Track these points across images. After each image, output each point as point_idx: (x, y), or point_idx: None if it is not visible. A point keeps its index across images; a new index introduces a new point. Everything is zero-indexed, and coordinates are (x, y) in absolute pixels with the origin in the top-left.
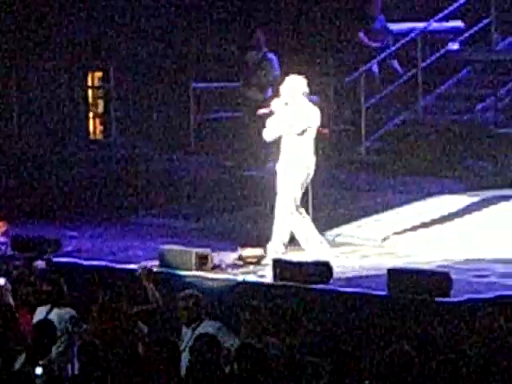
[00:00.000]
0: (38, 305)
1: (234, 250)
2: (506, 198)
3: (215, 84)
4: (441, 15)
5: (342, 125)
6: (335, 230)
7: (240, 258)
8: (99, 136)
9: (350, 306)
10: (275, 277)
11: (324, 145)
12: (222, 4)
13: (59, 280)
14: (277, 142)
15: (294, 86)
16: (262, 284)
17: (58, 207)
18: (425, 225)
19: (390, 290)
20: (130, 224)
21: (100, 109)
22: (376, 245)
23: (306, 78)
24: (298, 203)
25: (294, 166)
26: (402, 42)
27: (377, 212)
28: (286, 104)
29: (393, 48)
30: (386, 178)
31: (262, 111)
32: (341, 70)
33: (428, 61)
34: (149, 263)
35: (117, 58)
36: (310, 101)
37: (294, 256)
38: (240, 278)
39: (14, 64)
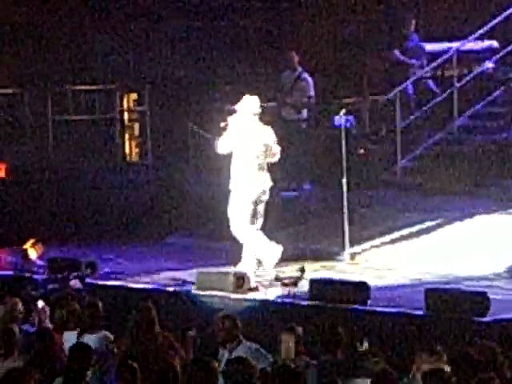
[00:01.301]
0: (73, 327)
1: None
2: None
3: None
4: (476, 35)
5: (377, 145)
6: (360, 247)
7: (277, 278)
8: (135, 158)
9: (388, 326)
10: (312, 297)
11: (360, 165)
12: (257, 25)
13: (96, 302)
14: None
15: (247, 107)
16: (299, 304)
17: (95, 229)
18: (449, 243)
19: (428, 309)
20: (166, 246)
21: (136, 131)
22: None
23: (342, 98)
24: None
25: (249, 182)
26: (438, 61)
27: (409, 231)
28: (245, 120)
29: (428, 67)
30: (421, 197)
31: (221, 124)
32: (376, 90)
33: (463, 80)
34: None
35: (152, 79)
36: (347, 120)
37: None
38: (277, 298)
39: (50, 87)
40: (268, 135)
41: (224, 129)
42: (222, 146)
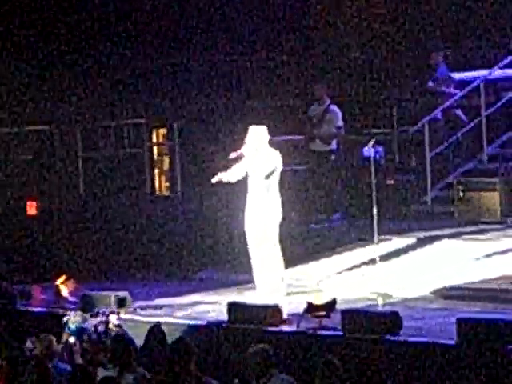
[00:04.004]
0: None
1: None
2: None
3: (279, 138)
4: (503, 63)
5: (407, 174)
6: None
7: (308, 310)
8: (165, 192)
9: (420, 357)
10: (344, 328)
11: (390, 195)
12: (285, 59)
13: (130, 340)
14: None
15: (259, 135)
16: (331, 336)
17: (126, 264)
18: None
19: (459, 339)
20: (197, 279)
21: (165, 165)
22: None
23: (371, 128)
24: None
25: (268, 210)
26: (466, 90)
27: (435, 260)
28: (255, 150)
29: (456, 96)
30: (451, 226)
31: (232, 155)
32: (405, 120)
33: (491, 109)
34: None
35: (181, 114)
36: (376, 151)
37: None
38: (309, 330)
39: (79, 123)
40: (280, 160)
41: (236, 160)
42: (233, 174)
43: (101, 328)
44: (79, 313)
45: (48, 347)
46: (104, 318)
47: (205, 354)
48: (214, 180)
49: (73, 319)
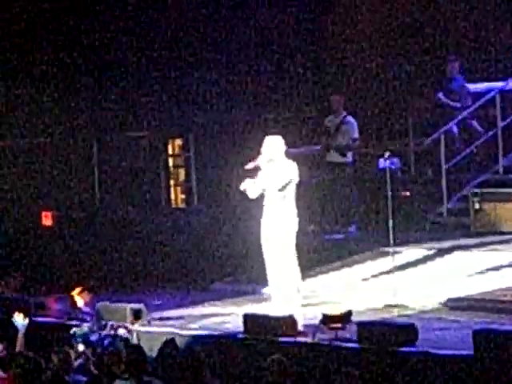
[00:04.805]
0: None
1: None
2: None
3: (295, 149)
4: None
5: (422, 186)
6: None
7: (324, 321)
8: (181, 204)
9: (436, 369)
10: (360, 340)
11: (405, 206)
12: (301, 69)
13: (143, 350)
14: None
15: (275, 145)
16: (347, 347)
17: (141, 276)
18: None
19: (475, 351)
20: (212, 291)
21: (181, 177)
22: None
23: (386, 140)
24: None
25: (284, 220)
26: (481, 101)
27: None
28: (271, 160)
29: (472, 108)
30: (467, 237)
31: (249, 166)
32: (420, 132)
33: (507, 120)
34: None
35: (196, 125)
36: (392, 163)
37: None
38: (324, 341)
39: (95, 134)
40: (296, 171)
41: (253, 170)
42: (253, 191)
43: (107, 341)
44: (87, 324)
45: (64, 360)
46: (112, 332)
47: (220, 366)
48: (248, 166)
49: (80, 331)
